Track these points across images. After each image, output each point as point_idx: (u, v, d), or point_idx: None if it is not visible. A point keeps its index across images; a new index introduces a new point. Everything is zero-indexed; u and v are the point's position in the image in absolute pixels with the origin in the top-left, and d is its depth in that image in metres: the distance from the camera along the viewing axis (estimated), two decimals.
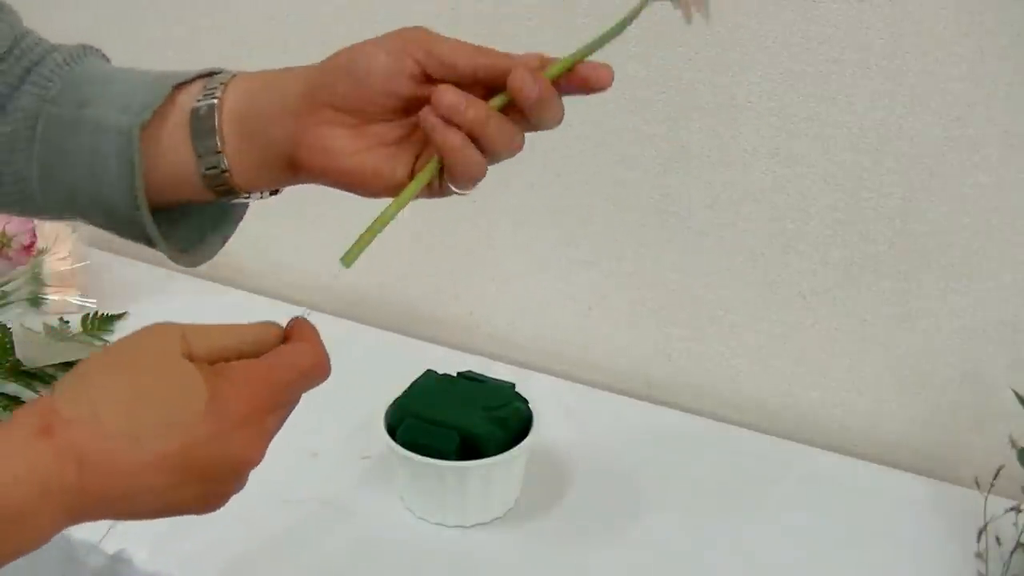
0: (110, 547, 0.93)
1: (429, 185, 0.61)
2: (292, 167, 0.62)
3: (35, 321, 1.22)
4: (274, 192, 0.67)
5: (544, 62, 0.59)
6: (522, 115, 0.59)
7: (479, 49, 0.60)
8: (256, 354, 0.56)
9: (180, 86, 0.63)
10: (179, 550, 0.92)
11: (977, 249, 1.00)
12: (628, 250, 1.17)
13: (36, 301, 1.29)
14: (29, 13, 0.70)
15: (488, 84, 0.59)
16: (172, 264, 0.68)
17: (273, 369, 0.55)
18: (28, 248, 1.26)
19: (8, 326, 1.15)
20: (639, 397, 1.19)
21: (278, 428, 0.57)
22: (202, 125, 0.62)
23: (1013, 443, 0.89)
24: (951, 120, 0.97)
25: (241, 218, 0.70)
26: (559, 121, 0.60)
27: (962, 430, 1.06)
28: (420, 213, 1.27)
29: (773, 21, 1.01)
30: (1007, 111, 0.95)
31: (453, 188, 0.61)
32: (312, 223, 1.28)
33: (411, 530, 0.96)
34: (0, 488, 0.48)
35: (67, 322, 1.24)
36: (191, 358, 0.53)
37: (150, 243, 0.65)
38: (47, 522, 0.49)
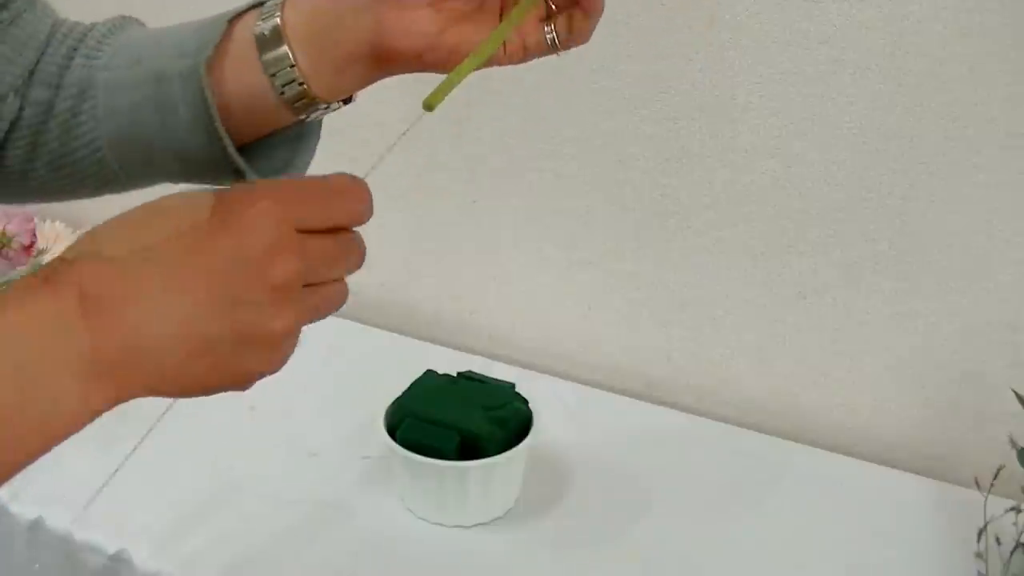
0: (110, 547, 0.93)
1: (522, 37, 0.61)
2: (375, 60, 0.62)
3: None
4: (347, 101, 0.66)
5: None
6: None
7: None
8: None
9: (234, 20, 0.64)
10: (179, 550, 0.92)
11: (977, 249, 1.00)
12: (628, 250, 1.17)
13: None
14: None
15: None
16: None
17: (299, 180, 0.52)
18: (28, 248, 1.25)
19: None
20: (639, 397, 1.19)
21: (319, 259, 0.50)
22: (270, 46, 0.62)
23: (1013, 443, 0.88)
24: (951, 120, 0.97)
25: (318, 138, 0.69)
26: None
27: (962, 430, 1.06)
28: (421, 213, 1.28)
29: (773, 21, 1.01)
30: (1007, 111, 0.95)
31: (559, 32, 0.61)
32: None
33: (411, 530, 0.96)
34: (5, 342, 0.44)
35: None
36: None
37: (238, 174, 0.64)
38: (68, 382, 0.45)
